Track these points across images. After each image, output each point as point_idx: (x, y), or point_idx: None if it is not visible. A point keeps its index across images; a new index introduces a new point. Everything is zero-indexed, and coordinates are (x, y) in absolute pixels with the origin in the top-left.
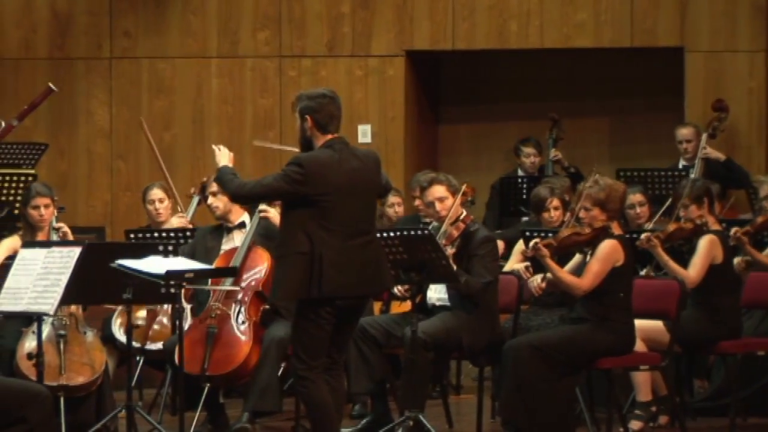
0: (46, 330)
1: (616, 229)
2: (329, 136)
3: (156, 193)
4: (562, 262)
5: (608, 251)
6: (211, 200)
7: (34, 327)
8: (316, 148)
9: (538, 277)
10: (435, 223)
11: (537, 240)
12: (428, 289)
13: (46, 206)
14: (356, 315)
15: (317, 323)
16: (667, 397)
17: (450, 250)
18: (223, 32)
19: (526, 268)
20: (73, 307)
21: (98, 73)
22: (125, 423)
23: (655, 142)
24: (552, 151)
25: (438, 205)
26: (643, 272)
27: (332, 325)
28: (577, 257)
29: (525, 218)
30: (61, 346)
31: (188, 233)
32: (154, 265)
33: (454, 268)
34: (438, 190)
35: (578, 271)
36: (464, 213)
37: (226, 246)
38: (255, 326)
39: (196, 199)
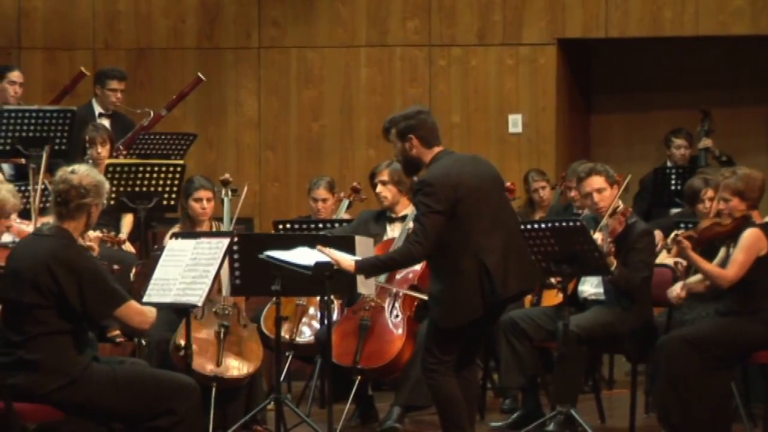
0: (206, 319)
1: (757, 218)
2: (436, 149)
3: (321, 192)
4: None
5: (752, 240)
6: (379, 189)
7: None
8: (425, 164)
9: (677, 287)
10: (587, 213)
11: (678, 232)
12: (582, 283)
13: (209, 199)
14: (502, 310)
15: None
16: None
17: (612, 247)
18: (372, 21)
19: (676, 263)
20: (237, 298)
21: (247, 63)
22: (273, 415)
23: None
24: (702, 140)
25: (596, 196)
26: None
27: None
28: (722, 252)
29: (675, 209)
30: (222, 337)
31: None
32: (303, 256)
33: (614, 262)
34: (596, 181)
35: (723, 265)
36: (621, 205)
37: (386, 236)
38: (409, 321)
39: (345, 203)
